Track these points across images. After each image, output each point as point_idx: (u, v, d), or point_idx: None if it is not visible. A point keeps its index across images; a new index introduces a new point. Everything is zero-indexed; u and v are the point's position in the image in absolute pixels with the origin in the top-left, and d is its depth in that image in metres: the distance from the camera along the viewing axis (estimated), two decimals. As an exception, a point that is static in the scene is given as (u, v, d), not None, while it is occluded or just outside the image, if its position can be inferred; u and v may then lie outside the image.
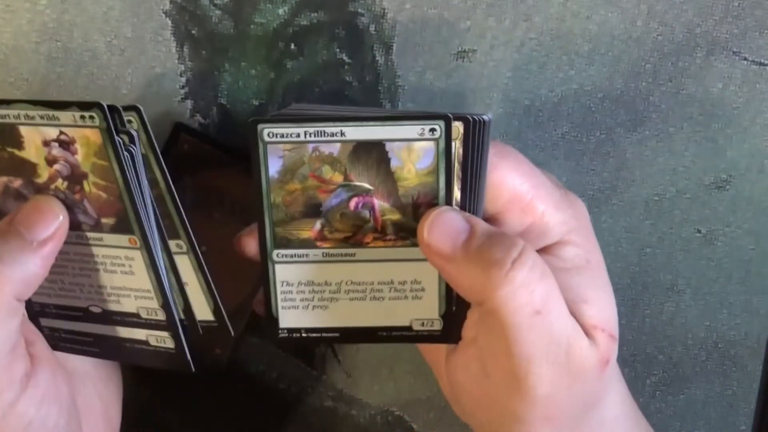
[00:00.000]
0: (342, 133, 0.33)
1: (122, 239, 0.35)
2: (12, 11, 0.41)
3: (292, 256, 0.35)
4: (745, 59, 0.43)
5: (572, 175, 0.44)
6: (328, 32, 0.42)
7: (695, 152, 0.44)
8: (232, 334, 0.37)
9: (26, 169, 0.34)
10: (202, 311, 0.37)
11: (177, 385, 0.46)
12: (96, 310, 0.37)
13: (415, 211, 0.34)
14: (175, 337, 0.37)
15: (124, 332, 0.38)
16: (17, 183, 0.35)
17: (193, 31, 0.42)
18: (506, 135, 0.44)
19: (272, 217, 0.35)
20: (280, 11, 0.42)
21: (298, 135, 0.33)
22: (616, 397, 0.36)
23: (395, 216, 0.34)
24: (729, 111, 0.44)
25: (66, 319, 0.37)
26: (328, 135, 0.33)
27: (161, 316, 0.36)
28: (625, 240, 0.46)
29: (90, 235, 0.35)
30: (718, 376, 0.48)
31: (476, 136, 0.33)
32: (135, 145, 0.33)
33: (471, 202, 0.34)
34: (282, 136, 0.33)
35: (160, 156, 0.34)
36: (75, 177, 0.34)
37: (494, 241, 0.32)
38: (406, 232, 0.34)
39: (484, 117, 0.33)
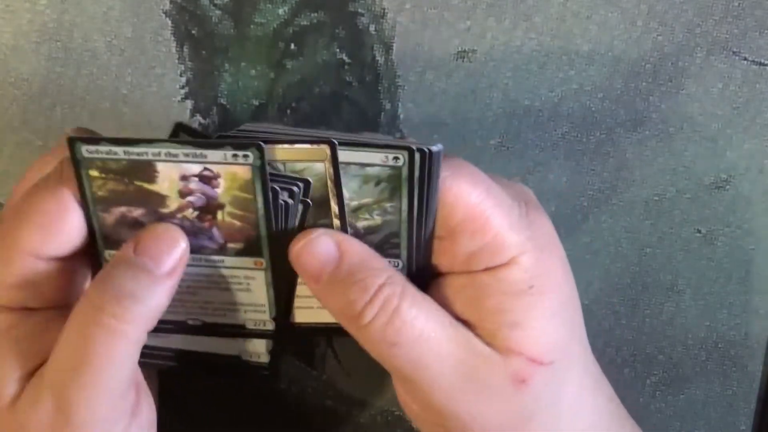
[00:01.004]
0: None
1: (248, 261, 0.35)
2: (12, 11, 0.41)
3: None
4: (745, 59, 0.43)
5: (572, 175, 0.44)
6: (328, 32, 0.42)
7: (695, 152, 0.44)
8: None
9: (152, 199, 0.33)
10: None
11: (176, 386, 0.46)
12: (194, 323, 0.36)
13: None
14: (272, 352, 0.37)
15: (214, 346, 0.37)
16: (137, 213, 0.34)
17: (193, 31, 0.42)
18: (506, 135, 0.44)
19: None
20: (280, 11, 0.42)
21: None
22: (574, 411, 0.36)
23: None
24: (729, 111, 0.44)
25: (162, 333, 0.36)
26: None
27: (269, 326, 0.36)
28: (625, 240, 0.46)
29: (212, 257, 0.35)
30: (718, 376, 0.48)
31: (424, 167, 0.33)
32: (297, 186, 0.34)
33: (419, 223, 0.34)
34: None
35: (269, 188, 0.33)
36: (209, 208, 0.33)
37: (356, 276, 0.33)
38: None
39: (432, 148, 0.32)
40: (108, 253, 0.34)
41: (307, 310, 0.36)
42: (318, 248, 0.34)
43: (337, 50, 0.42)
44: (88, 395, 0.32)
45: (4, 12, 0.41)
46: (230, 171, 0.32)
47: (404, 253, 0.35)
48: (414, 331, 0.33)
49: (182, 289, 0.35)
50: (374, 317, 0.33)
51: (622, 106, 0.43)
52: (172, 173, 0.33)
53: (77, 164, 0.33)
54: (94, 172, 0.33)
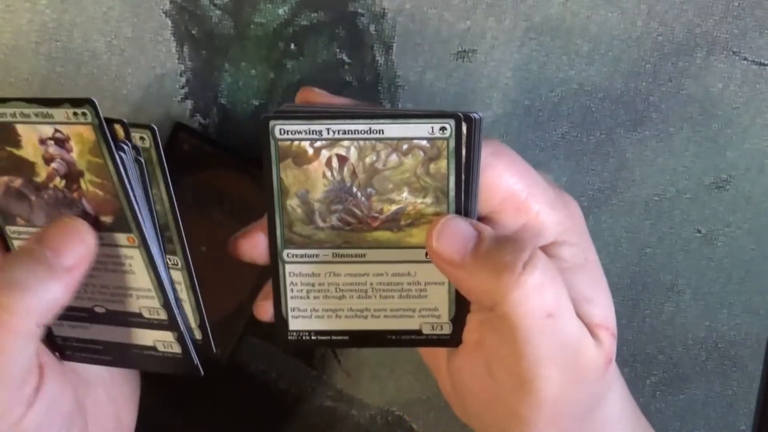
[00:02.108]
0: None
1: (121, 238, 0.35)
2: (12, 11, 0.41)
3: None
4: (745, 59, 0.43)
5: (572, 175, 0.44)
6: (328, 32, 0.42)
7: (695, 152, 0.44)
8: (214, 351, 0.37)
9: (25, 168, 0.35)
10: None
11: (176, 386, 0.46)
12: (100, 310, 0.37)
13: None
14: (181, 340, 0.37)
15: (132, 337, 0.38)
16: (18, 182, 0.35)
17: (193, 31, 0.42)
18: (506, 135, 0.44)
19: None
20: (280, 11, 0.42)
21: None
22: (617, 395, 0.36)
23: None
24: (729, 111, 0.44)
25: (72, 321, 0.38)
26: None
27: (163, 315, 0.37)
28: (625, 240, 0.46)
29: None
30: (718, 376, 0.48)
31: (469, 135, 0.33)
32: (125, 143, 0.34)
33: (465, 202, 0.34)
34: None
35: (168, 175, 0.34)
36: (72, 175, 0.34)
37: (503, 245, 0.32)
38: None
39: (475, 115, 0.33)
40: (9, 230, 0.36)
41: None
42: (456, 226, 0.33)
43: (337, 50, 0.42)
44: None
45: (4, 12, 0.41)
46: (77, 131, 0.33)
47: None
48: (565, 304, 0.32)
49: None
50: (535, 284, 0.31)
51: (622, 106, 0.43)
52: (32, 136, 0.34)
53: None
54: None
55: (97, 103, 0.33)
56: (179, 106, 0.43)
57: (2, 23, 0.41)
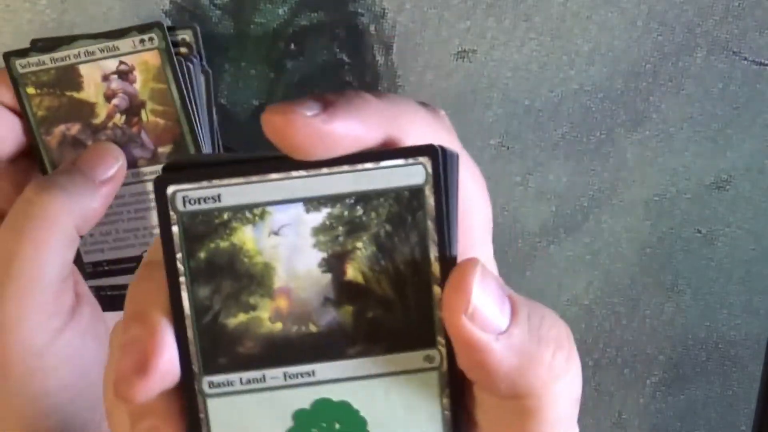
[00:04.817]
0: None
1: None
2: (12, 11, 0.41)
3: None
4: (745, 59, 0.43)
5: (572, 175, 0.44)
6: (328, 32, 0.42)
7: (695, 152, 0.44)
8: None
9: (84, 110, 0.36)
10: None
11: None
12: None
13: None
14: None
15: None
16: (74, 129, 0.36)
17: (193, 31, 0.42)
18: (506, 135, 0.44)
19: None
20: (280, 11, 0.42)
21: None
22: None
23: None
24: (729, 111, 0.44)
25: (118, 275, 0.38)
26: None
27: None
28: (625, 240, 0.46)
29: (146, 170, 0.37)
30: (718, 376, 0.48)
31: (446, 174, 0.23)
32: (194, 56, 0.35)
33: (449, 247, 0.23)
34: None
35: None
36: (133, 108, 0.36)
37: (538, 312, 0.23)
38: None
39: (448, 149, 0.23)
40: None
41: None
42: (494, 282, 0.23)
43: (337, 50, 0.42)
44: (17, 288, 0.33)
45: (4, 12, 0.41)
46: (141, 59, 0.35)
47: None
48: None
49: (131, 215, 0.37)
50: (579, 369, 0.24)
51: (622, 106, 0.43)
52: (95, 74, 0.35)
53: (15, 83, 0.36)
54: (30, 89, 0.36)
55: (165, 25, 0.34)
56: (179, 106, 0.43)
57: (2, 23, 0.41)
